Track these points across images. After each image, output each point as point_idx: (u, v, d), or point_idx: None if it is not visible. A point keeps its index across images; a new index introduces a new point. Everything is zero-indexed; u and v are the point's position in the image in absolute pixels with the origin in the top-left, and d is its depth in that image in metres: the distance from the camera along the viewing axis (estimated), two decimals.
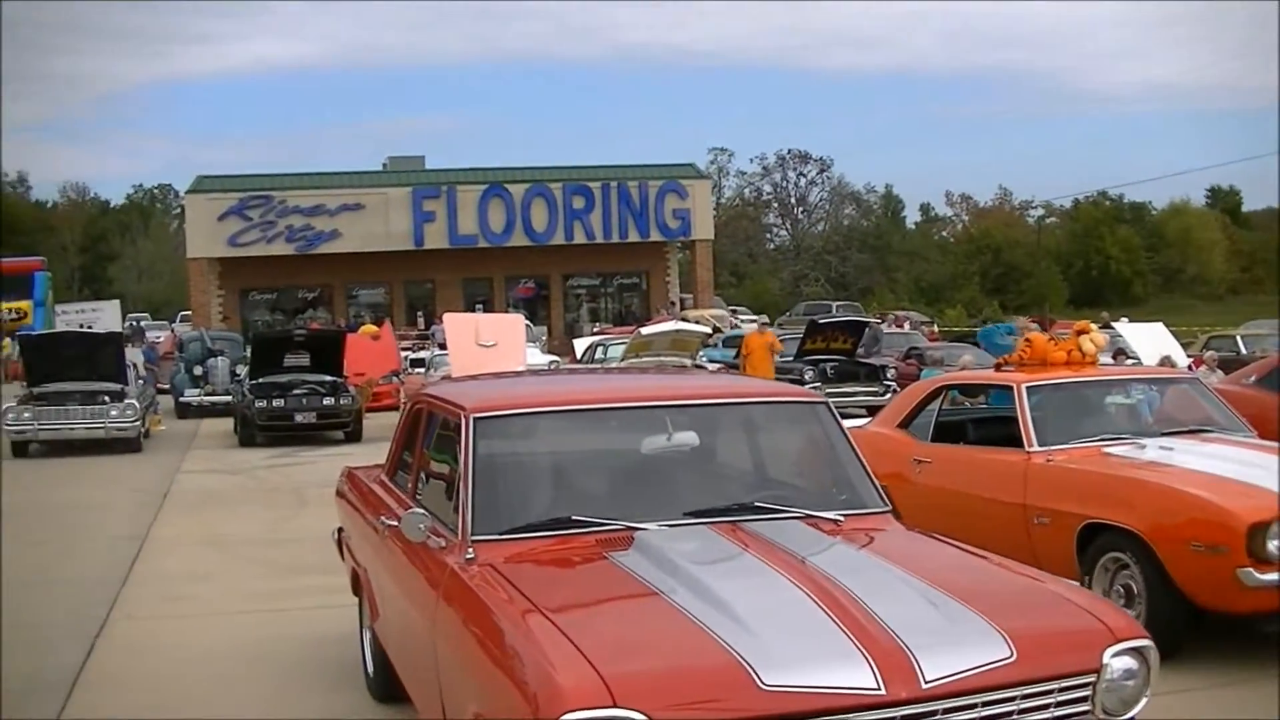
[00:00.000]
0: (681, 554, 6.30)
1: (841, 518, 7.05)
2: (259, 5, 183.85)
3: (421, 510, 7.14)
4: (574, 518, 6.81)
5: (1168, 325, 29.21)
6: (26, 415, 27.54)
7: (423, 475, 8.17)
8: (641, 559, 6.30)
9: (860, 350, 34.68)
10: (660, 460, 7.37)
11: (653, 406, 7.66)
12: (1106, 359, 23.58)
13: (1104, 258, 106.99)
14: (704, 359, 33.83)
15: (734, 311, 67.74)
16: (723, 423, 7.89)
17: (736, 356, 34.68)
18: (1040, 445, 11.23)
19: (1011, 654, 5.38)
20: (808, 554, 6.32)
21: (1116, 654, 5.62)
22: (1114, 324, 37.80)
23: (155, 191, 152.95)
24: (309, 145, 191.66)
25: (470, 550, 6.56)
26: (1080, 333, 12.99)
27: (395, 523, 7.39)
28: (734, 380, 9.30)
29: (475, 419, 7.16)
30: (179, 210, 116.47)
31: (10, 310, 61.03)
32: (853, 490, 7.43)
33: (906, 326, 52.30)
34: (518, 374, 11.76)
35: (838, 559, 6.37)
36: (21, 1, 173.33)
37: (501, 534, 6.69)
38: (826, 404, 7.82)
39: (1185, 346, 36.43)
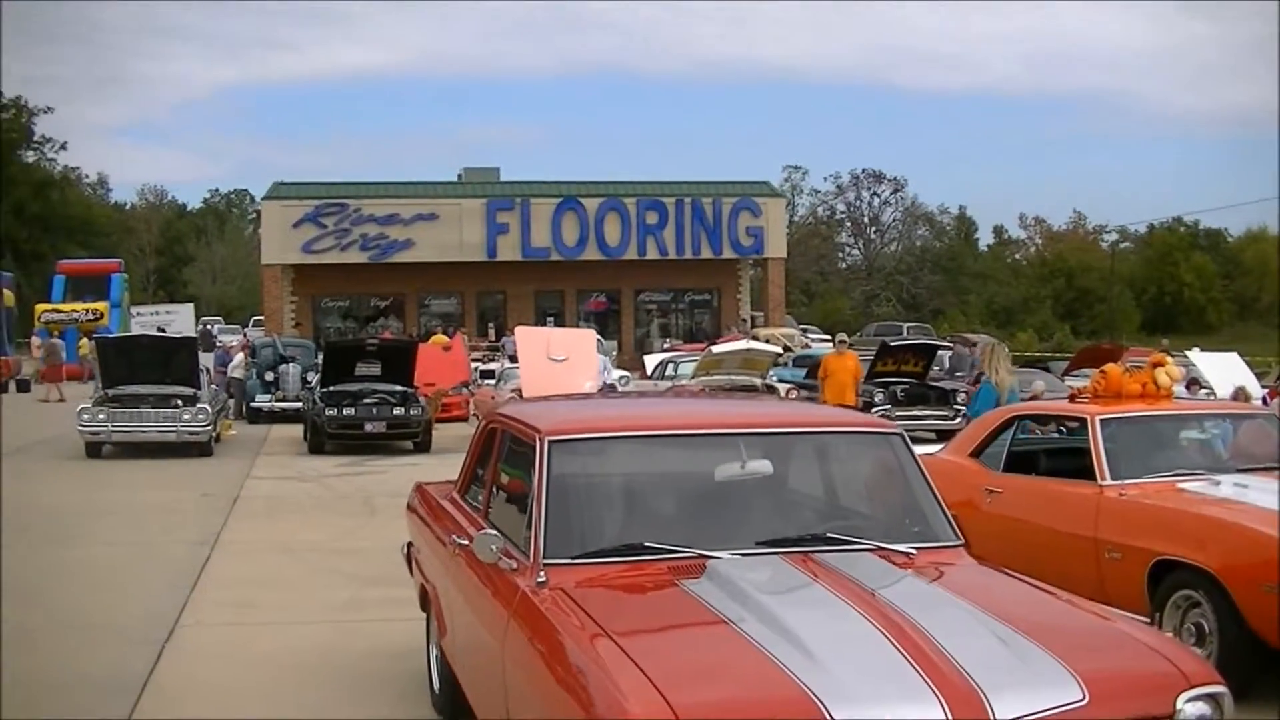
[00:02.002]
0: (753, 583, 6.28)
1: (914, 551, 7.02)
2: (337, 11, 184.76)
3: (494, 531, 7.16)
4: (646, 544, 6.80)
5: (1242, 354, 28.95)
6: (101, 416, 27.75)
7: (495, 495, 8.19)
8: (713, 587, 6.27)
9: (941, 370, 34.57)
10: (733, 487, 7.34)
11: (727, 434, 7.64)
12: (1180, 389, 23.44)
13: (1178, 284, 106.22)
14: (774, 378, 33.75)
15: (805, 331, 67.61)
16: (796, 451, 7.85)
17: (808, 376, 34.61)
18: (1113, 479, 11.14)
19: (1084, 697, 5.33)
20: (879, 587, 6.29)
21: (1190, 699, 5.54)
22: (1187, 353, 37.62)
23: (231, 196, 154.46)
24: (385, 152, 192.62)
25: (542, 574, 6.56)
26: (1156, 365, 12.91)
27: (467, 542, 7.40)
28: (808, 408, 9.29)
29: (550, 442, 7.17)
30: (254, 215, 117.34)
31: (88, 311, 61.62)
32: (925, 523, 7.38)
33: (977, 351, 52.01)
34: (592, 396, 11.71)
35: (909, 593, 6.33)
36: (99, 2, 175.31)
37: (574, 558, 6.69)
38: (901, 435, 7.78)
39: (1259, 376, 36.15)
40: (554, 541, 6.74)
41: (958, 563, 7.11)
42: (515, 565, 6.85)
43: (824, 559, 6.70)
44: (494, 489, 8.24)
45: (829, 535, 7.07)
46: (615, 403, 10.82)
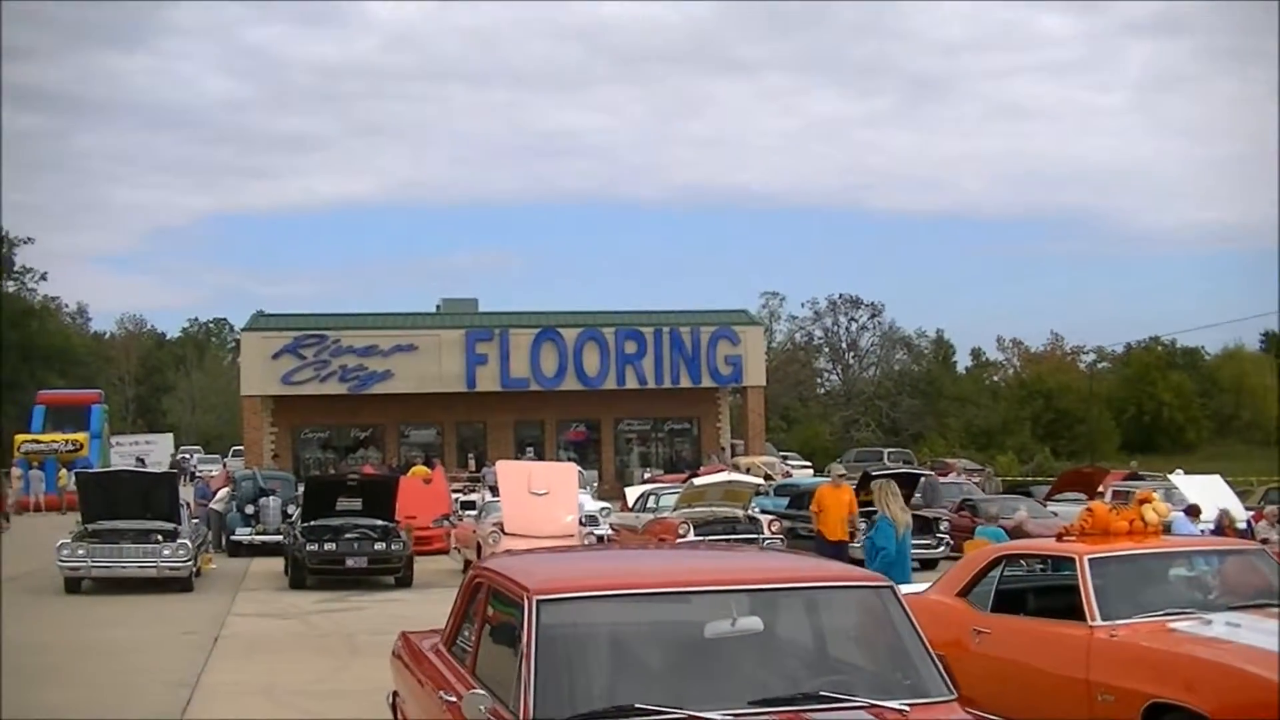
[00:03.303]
0: None
1: (906, 707, 6.93)
2: (312, 139, 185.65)
3: (482, 691, 7.09)
4: (637, 706, 6.72)
5: (1223, 475, 28.96)
6: (80, 552, 27.55)
7: (482, 649, 8.11)
8: None
9: (918, 499, 34.48)
10: (724, 644, 7.28)
11: (717, 591, 7.58)
12: (1180, 516, 23.40)
13: (1157, 404, 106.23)
14: (757, 509, 33.65)
15: (785, 458, 67.59)
16: (786, 606, 7.79)
17: (790, 506, 34.51)
18: (1104, 619, 11.07)
19: None
20: None
21: None
22: (1170, 476, 37.67)
23: (210, 325, 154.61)
24: (363, 281, 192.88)
25: None
26: (1143, 501, 12.87)
27: (455, 699, 7.33)
28: (796, 562, 9.19)
29: (539, 601, 7.12)
30: (233, 344, 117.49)
31: (67, 442, 61.53)
32: (918, 677, 7.30)
33: (951, 475, 52.00)
34: (577, 548, 11.67)
35: None
36: (77, 133, 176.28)
37: None
38: (892, 587, 7.74)
39: (1242, 496, 36.21)
40: (544, 702, 6.67)
41: (951, 717, 7.04)
42: None
43: (815, 717, 6.63)
44: (481, 644, 8.15)
45: (821, 694, 6.98)
46: (603, 557, 10.79)
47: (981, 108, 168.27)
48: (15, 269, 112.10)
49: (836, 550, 23.70)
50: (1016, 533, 22.89)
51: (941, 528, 32.38)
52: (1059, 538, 13.23)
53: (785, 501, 36.22)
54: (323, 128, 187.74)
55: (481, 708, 6.78)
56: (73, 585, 27.79)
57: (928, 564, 29.79)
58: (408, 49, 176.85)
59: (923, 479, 37.49)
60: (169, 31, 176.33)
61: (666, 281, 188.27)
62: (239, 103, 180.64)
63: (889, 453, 71.91)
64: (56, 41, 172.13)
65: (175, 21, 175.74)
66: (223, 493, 39.76)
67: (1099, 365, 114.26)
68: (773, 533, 30.77)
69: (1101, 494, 36.62)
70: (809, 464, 68.97)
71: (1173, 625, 10.92)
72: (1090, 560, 11.59)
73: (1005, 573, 13.24)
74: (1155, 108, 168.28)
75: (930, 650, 7.45)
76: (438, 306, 69.39)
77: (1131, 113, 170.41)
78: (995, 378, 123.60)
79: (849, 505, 25.86)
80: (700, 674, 7.23)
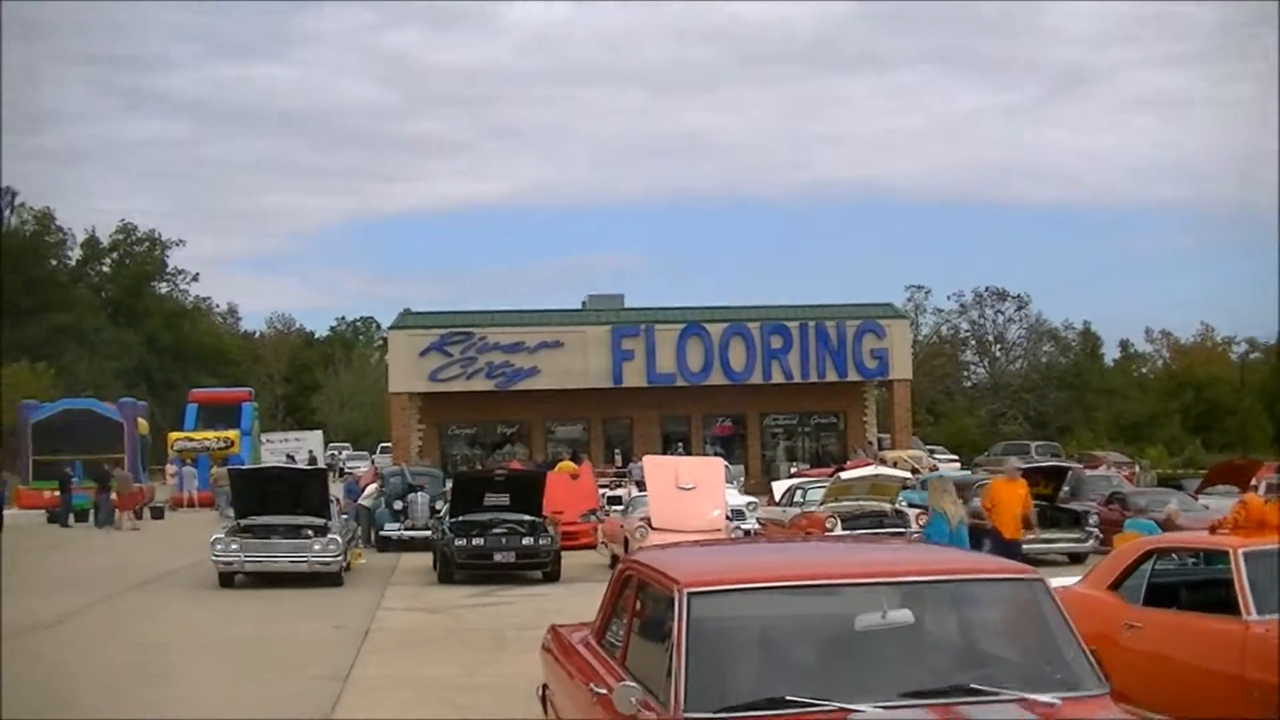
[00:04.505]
0: None
1: (1058, 700, 6.85)
2: (451, 144, 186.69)
3: (633, 683, 7.10)
4: (788, 698, 6.70)
5: None
6: (234, 547, 27.98)
7: (632, 642, 8.13)
8: None
9: (1065, 492, 34.13)
10: (873, 636, 7.26)
11: (868, 584, 7.56)
12: None
13: None
14: (904, 503, 33.45)
15: (931, 451, 67.09)
16: (936, 599, 7.74)
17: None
18: (1259, 614, 10.89)
19: None
20: None
21: None
22: None
23: (357, 324, 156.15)
24: (507, 281, 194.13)
25: None
26: None
27: (606, 691, 7.36)
28: (947, 555, 9.12)
29: (689, 594, 7.13)
30: (380, 343, 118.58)
31: (219, 439, 62.42)
32: (1069, 670, 7.22)
33: (1101, 469, 51.30)
34: (727, 541, 11.66)
35: None
36: (228, 141, 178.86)
37: (715, 712, 6.63)
38: (1042, 581, 7.66)
39: None
40: (694, 695, 6.69)
41: (1103, 713, 6.95)
42: (655, 718, 6.79)
43: (966, 711, 6.59)
44: (631, 637, 8.18)
45: (971, 687, 6.93)
46: (752, 550, 10.75)
47: (1121, 99, 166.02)
48: (168, 271, 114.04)
49: (1010, 548, 22.10)
50: (1167, 526, 22.56)
51: (1090, 521, 31.98)
52: (1212, 531, 13.07)
53: None
54: (460, 131, 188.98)
55: (632, 700, 6.80)
56: (226, 580, 28.23)
57: (1076, 558, 29.49)
58: (542, 52, 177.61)
59: (1070, 472, 37.08)
60: (308, 40, 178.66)
61: (807, 278, 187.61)
62: (378, 107, 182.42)
63: (1036, 446, 71.00)
64: (201, 51, 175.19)
65: (314, 30, 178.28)
66: (371, 488, 40.16)
67: (1251, 356, 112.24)
68: (920, 527, 30.57)
69: (1255, 487, 35.94)
70: (955, 457, 68.43)
71: None
72: (1245, 553, 11.40)
73: (1157, 566, 13.06)
74: None
75: (1082, 643, 7.37)
76: (584, 303, 69.54)
77: (1274, 101, 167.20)
78: (1144, 370, 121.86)
79: (1024, 501, 24.26)
80: (850, 667, 7.20)
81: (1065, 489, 34.32)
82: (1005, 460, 28.74)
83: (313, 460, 59.86)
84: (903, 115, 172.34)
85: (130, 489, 48.78)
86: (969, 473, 47.13)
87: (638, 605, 8.19)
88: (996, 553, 19.54)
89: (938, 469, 51.77)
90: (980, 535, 23.59)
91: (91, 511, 48.30)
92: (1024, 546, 24.02)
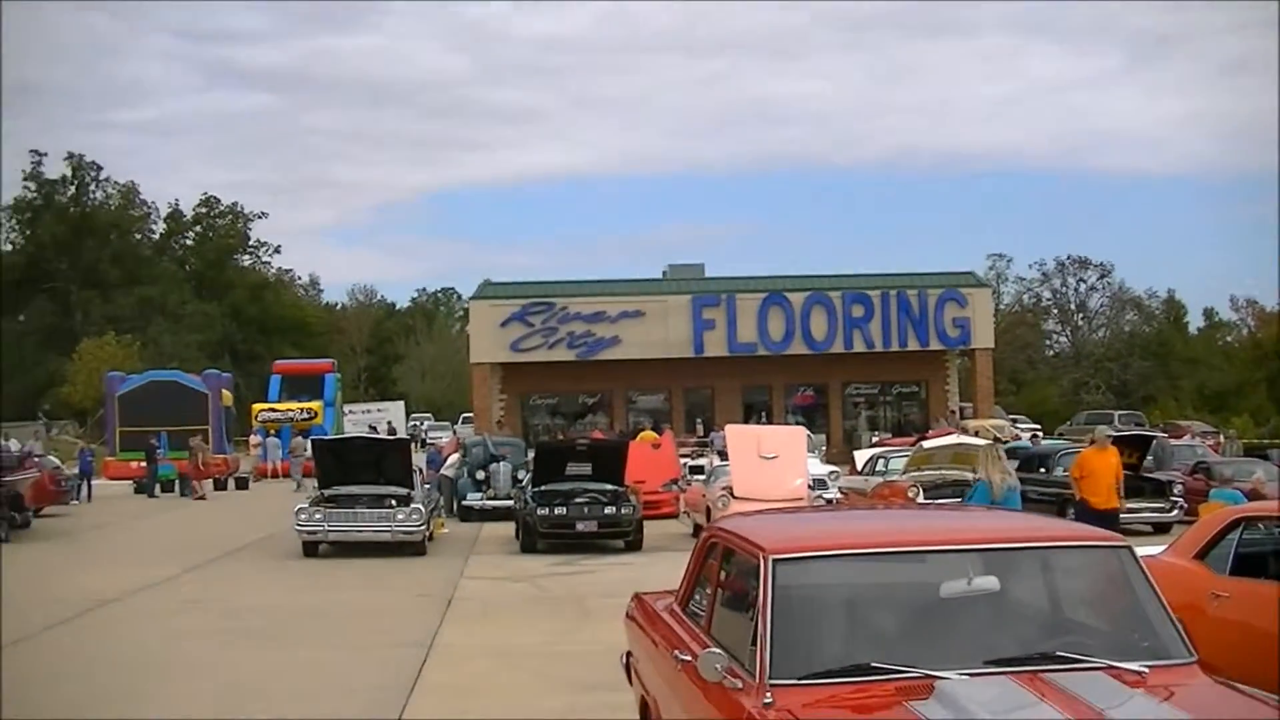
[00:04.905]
0: (982, 705, 6.16)
1: (1145, 669, 6.77)
2: (533, 113, 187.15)
3: (718, 650, 7.10)
4: (874, 664, 6.69)
5: None
6: (318, 517, 28.16)
7: (717, 610, 8.14)
8: (942, 710, 6.17)
9: (1149, 462, 33.89)
10: (959, 604, 7.22)
11: (953, 550, 7.53)
12: None
13: None
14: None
15: (1014, 421, 66.75)
16: (1021, 566, 7.67)
17: (1020, 469, 33.96)
18: None
19: None
20: (1108, 707, 6.14)
21: None
22: None
23: (438, 294, 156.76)
24: (587, 251, 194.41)
25: (769, 695, 6.50)
26: None
27: (691, 659, 7.37)
28: (1033, 522, 9.05)
29: (775, 560, 7.13)
30: (461, 313, 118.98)
31: (302, 410, 62.90)
32: (1156, 639, 7.14)
33: (1185, 438, 50.86)
34: (811, 509, 11.63)
35: (1141, 715, 6.20)
36: (301, 111, 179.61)
37: (800, 679, 6.63)
38: (1129, 548, 7.60)
39: None
40: (780, 662, 6.68)
41: (1192, 681, 6.86)
42: (740, 685, 6.80)
43: (1052, 678, 6.53)
44: (716, 604, 8.19)
45: (1058, 654, 6.88)
46: (837, 517, 10.72)
47: (1205, 64, 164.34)
48: (250, 243, 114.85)
49: (1104, 519, 20.97)
50: (1253, 496, 22.38)
51: (1175, 491, 31.76)
52: None
53: (1014, 465, 35.76)
54: (541, 101, 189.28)
55: (717, 666, 6.81)
56: (310, 549, 28.44)
57: (1160, 528, 29.29)
58: (623, 21, 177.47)
59: (1155, 442, 36.82)
60: (389, 11, 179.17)
61: (888, 246, 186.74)
62: (458, 78, 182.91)
63: (1119, 415, 70.45)
64: (284, 24, 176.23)
65: (394, 1, 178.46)
66: (453, 458, 40.32)
67: None
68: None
69: None
70: (1038, 426, 68.01)
71: None
72: None
73: (1244, 535, 12.93)
74: None
75: (1170, 612, 7.29)
76: (664, 273, 69.53)
77: None
78: (1228, 338, 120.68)
79: (1117, 470, 23.44)
80: (935, 634, 7.17)
81: (1149, 458, 34.09)
82: (1095, 429, 28.31)
83: (391, 430, 60.22)
84: (985, 82, 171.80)
85: (205, 459, 49.21)
86: (1057, 441, 46.80)
87: (722, 573, 8.19)
88: (1085, 522, 19.24)
89: (1020, 438, 51.47)
90: (1065, 505, 23.39)
91: (176, 481, 48.83)
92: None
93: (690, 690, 7.62)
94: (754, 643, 6.85)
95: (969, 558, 7.36)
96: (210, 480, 49.64)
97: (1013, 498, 19.17)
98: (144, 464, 50.84)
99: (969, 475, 31.66)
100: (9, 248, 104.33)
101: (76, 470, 47.43)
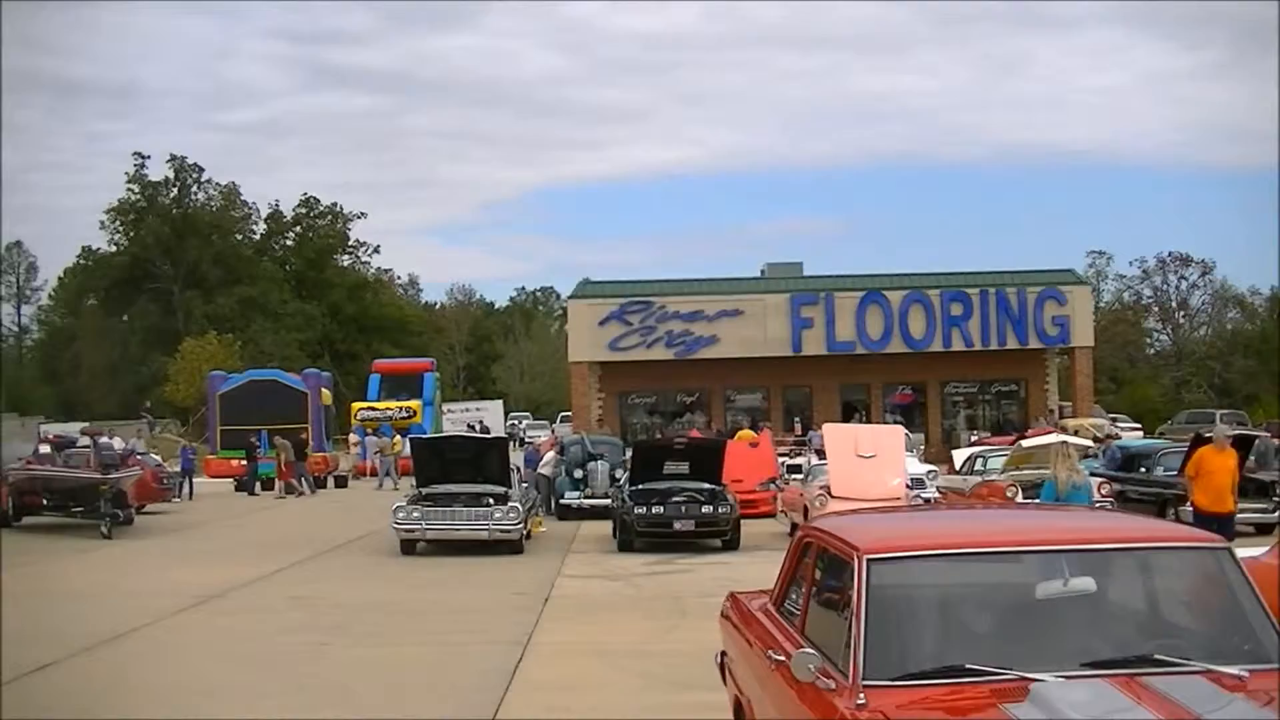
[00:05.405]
0: (1076, 707, 6.10)
1: (1245, 673, 6.64)
2: (635, 112, 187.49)
3: (812, 650, 7.08)
4: (968, 666, 6.64)
5: None
6: (415, 515, 28.28)
7: (811, 609, 8.11)
8: (1037, 713, 6.11)
9: (1252, 462, 33.47)
10: (1054, 605, 7.15)
11: (1049, 551, 7.45)
12: None
13: None
14: (1086, 471, 32.99)
15: (1114, 420, 66.16)
16: (1118, 567, 7.59)
17: (1120, 469, 33.66)
18: None
19: None
20: (1206, 712, 6.06)
21: None
22: None
23: (537, 294, 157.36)
24: (685, 249, 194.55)
25: (862, 695, 6.48)
26: None
27: (784, 659, 7.35)
28: (1129, 522, 8.95)
29: (869, 560, 7.10)
30: (560, 312, 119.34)
31: (401, 409, 63.23)
32: (1257, 642, 7.01)
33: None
34: (907, 509, 11.57)
35: (1240, 719, 6.11)
36: (411, 114, 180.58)
37: (894, 680, 6.60)
38: (1229, 549, 7.50)
39: None
40: (874, 662, 6.66)
41: None
42: (834, 685, 6.78)
43: (1149, 681, 6.45)
44: (810, 604, 8.16)
45: (1155, 657, 6.80)
46: (932, 517, 10.65)
47: None
48: (350, 243, 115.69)
49: (1220, 523, 20.20)
50: None
51: (1278, 491, 31.33)
52: None
53: (1116, 464, 35.45)
54: (643, 98, 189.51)
55: (811, 667, 6.79)
56: (408, 547, 28.57)
57: (1264, 529, 28.92)
58: (726, 16, 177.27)
59: (1258, 441, 36.37)
60: (491, 10, 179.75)
61: (988, 243, 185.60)
62: (561, 76, 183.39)
63: (1221, 414, 69.49)
64: (386, 25, 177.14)
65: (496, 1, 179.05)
66: (551, 457, 40.43)
67: None
68: (1102, 495, 30.10)
69: None
70: (1138, 426, 67.41)
71: None
72: None
73: None
74: None
75: (1270, 615, 7.18)
76: (762, 271, 69.34)
77: None
78: None
79: (1232, 471, 22.56)
80: (1031, 635, 7.11)
81: (1252, 458, 33.67)
82: (1214, 428, 27.83)
83: (484, 430, 60.68)
84: (1089, 75, 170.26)
85: (287, 458, 49.50)
86: (1159, 441, 46.32)
87: (817, 572, 8.16)
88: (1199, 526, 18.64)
89: (1120, 437, 50.99)
90: (1165, 506, 23.07)
91: (276, 480, 49.27)
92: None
93: (783, 690, 7.60)
94: (847, 643, 6.83)
95: (1065, 558, 7.29)
96: (310, 478, 49.96)
97: (1078, 495, 19.01)
98: (244, 462, 51.39)
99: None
100: (113, 249, 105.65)
101: (179, 468, 48.00)
